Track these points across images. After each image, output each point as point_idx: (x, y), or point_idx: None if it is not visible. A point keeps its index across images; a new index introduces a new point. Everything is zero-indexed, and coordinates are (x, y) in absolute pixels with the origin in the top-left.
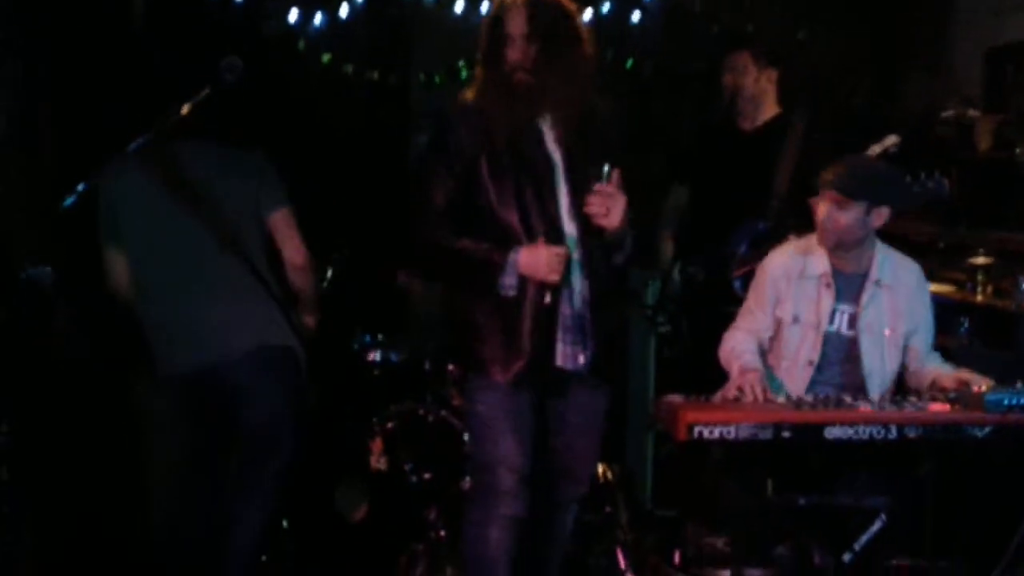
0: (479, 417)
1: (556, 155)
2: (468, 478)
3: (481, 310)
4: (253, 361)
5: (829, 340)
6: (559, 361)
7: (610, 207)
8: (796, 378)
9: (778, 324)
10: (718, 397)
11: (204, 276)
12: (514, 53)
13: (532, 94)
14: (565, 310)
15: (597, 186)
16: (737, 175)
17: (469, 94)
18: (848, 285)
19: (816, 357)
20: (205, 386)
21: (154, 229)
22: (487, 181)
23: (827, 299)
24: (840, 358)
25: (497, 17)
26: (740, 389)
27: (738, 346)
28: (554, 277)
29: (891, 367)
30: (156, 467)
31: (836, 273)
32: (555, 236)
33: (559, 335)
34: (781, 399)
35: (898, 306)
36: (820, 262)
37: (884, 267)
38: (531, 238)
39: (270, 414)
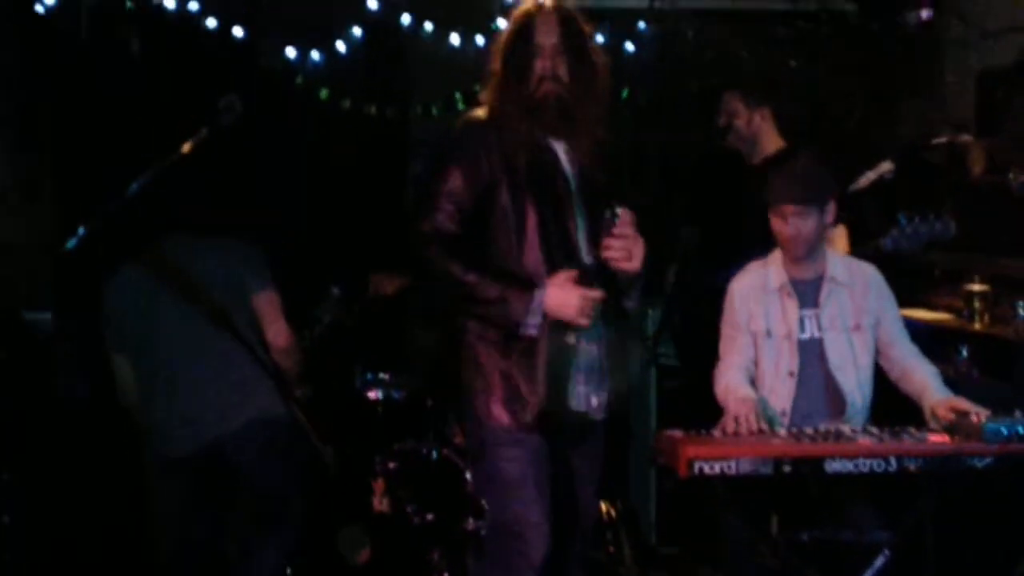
0: (503, 475)
1: (573, 179)
2: (484, 533)
3: (490, 351)
4: (253, 429)
5: (804, 348)
6: (573, 403)
7: (631, 251)
8: (780, 392)
9: (755, 339)
10: (718, 431)
11: (201, 358)
12: (544, 63)
13: (559, 106)
14: (582, 348)
15: (615, 229)
16: (745, 209)
17: (480, 112)
18: (808, 290)
19: (795, 367)
20: (206, 463)
21: (151, 323)
22: (507, 207)
23: (792, 308)
24: (816, 364)
25: (524, 27)
26: (735, 420)
27: (731, 382)
28: (584, 322)
29: (863, 362)
30: (158, 510)
31: (794, 282)
32: (577, 269)
33: (575, 375)
34: (781, 431)
35: (858, 301)
36: (777, 274)
37: (837, 267)
38: (552, 270)
39: (273, 482)
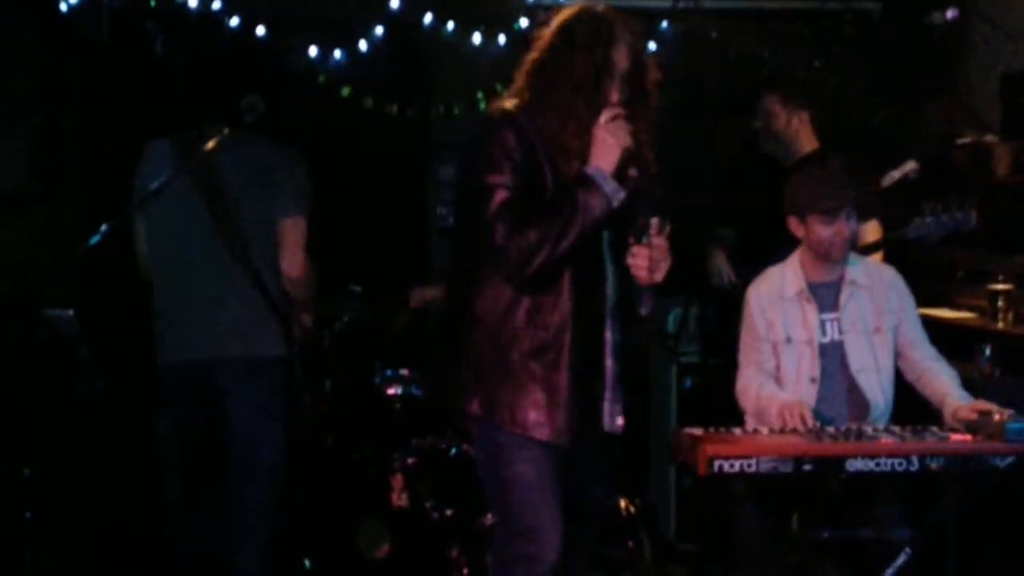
0: (522, 480)
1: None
2: (496, 538)
3: (520, 351)
4: (240, 367)
5: (825, 352)
6: (606, 424)
7: (658, 263)
8: (802, 398)
9: (774, 348)
10: (764, 428)
11: (209, 276)
12: (614, 93)
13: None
14: (608, 362)
15: (652, 241)
16: (780, 210)
17: (509, 104)
18: (827, 294)
19: (817, 373)
20: (194, 383)
21: (174, 216)
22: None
23: (811, 313)
24: (838, 367)
25: (599, 43)
26: (791, 421)
27: (754, 383)
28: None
29: (884, 364)
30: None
31: (813, 286)
32: (597, 274)
33: (605, 393)
34: (830, 428)
35: (879, 303)
36: (795, 280)
37: (857, 269)
38: (576, 276)
39: (253, 419)
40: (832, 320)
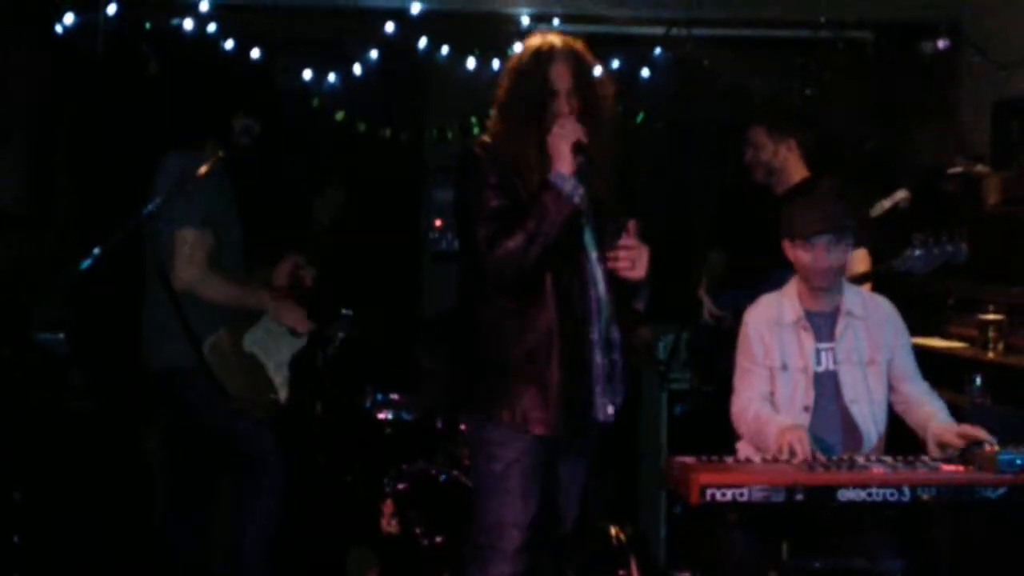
0: (493, 474)
1: (585, 212)
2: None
3: (515, 356)
4: (164, 376)
5: (819, 381)
6: (599, 415)
7: (635, 260)
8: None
9: (771, 373)
10: (757, 457)
11: (150, 287)
12: (562, 107)
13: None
14: (597, 359)
15: (621, 242)
16: (772, 236)
17: (487, 137)
18: (824, 323)
19: (810, 401)
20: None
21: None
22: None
23: (808, 341)
24: (832, 397)
25: (539, 68)
26: (789, 448)
27: (763, 411)
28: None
29: (878, 396)
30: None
31: (810, 315)
32: (581, 279)
33: (596, 386)
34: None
35: (874, 336)
36: (792, 308)
37: (854, 301)
38: (558, 284)
39: (186, 433)
40: (827, 350)
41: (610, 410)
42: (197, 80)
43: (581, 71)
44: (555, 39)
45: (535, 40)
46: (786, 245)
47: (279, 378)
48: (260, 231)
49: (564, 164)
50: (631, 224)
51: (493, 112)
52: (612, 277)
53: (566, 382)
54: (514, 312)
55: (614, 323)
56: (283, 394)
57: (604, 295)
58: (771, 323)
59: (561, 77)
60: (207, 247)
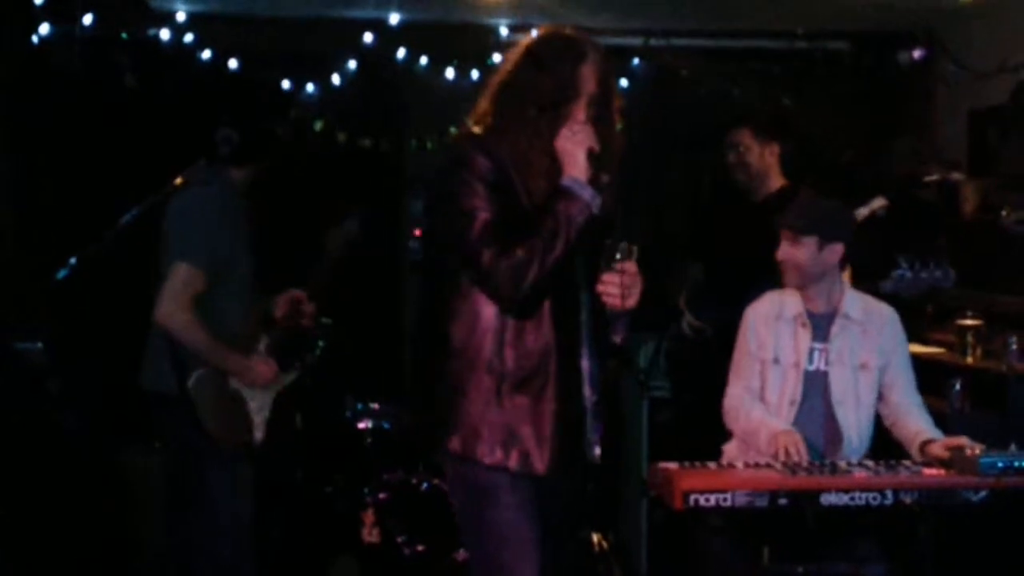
0: (502, 523)
1: None
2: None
3: (503, 389)
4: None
5: (809, 379)
6: (589, 454)
7: (629, 287)
8: (780, 418)
9: (762, 366)
10: (740, 462)
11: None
12: (580, 112)
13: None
14: (587, 392)
15: (618, 264)
16: (749, 245)
17: (476, 128)
18: (821, 323)
19: (798, 397)
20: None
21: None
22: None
23: (804, 338)
24: (819, 396)
25: (567, 65)
26: (784, 453)
27: (742, 404)
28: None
29: (866, 400)
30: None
31: (810, 313)
32: (572, 301)
33: (588, 424)
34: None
35: (871, 340)
36: (795, 304)
37: (853, 304)
38: (553, 298)
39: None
40: (821, 350)
41: (597, 450)
42: (174, 91)
43: (608, 77)
44: (583, 33)
45: (563, 30)
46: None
47: (259, 418)
48: (266, 259)
49: (579, 171)
50: (623, 247)
51: (487, 99)
52: (595, 305)
53: (561, 415)
54: (503, 329)
55: (596, 356)
56: (259, 434)
57: (588, 323)
58: (770, 318)
59: (588, 80)
60: (196, 287)
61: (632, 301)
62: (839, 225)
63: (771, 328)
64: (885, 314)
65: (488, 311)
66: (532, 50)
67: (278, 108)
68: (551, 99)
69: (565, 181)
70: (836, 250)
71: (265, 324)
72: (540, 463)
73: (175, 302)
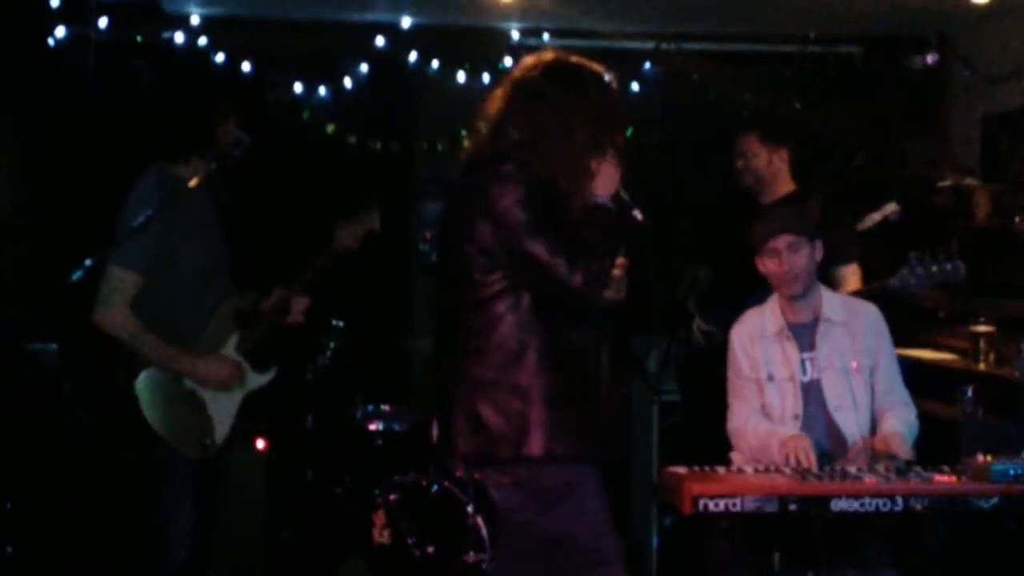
0: (594, 511)
1: None
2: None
3: (573, 391)
4: None
5: (806, 390)
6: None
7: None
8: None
9: (759, 385)
10: (749, 467)
11: None
12: (620, 136)
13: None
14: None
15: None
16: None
17: (510, 168)
18: (805, 333)
19: (800, 410)
20: None
21: None
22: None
23: (792, 351)
24: (818, 405)
25: (617, 104)
26: (794, 458)
27: (748, 422)
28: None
29: (862, 401)
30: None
31: (791, 325)
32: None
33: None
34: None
35: (856, 341)
36: (774, 319)
37: (833, 307)
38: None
39: None
40: (810, 359)
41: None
42: (187, 92)
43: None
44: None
45: (600, 69)
46: (757, 262)
47: (221, 420)
48: (260, 249)
49: (610, 189)
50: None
51: (508, 118)
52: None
53: (603, 405)
54: (544, 333)
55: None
56: (220, 435)
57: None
58: (755, 336)
59: (624, 119)
60: (127, 288)
61: (619, 296)
62: (810, 222)
63: (758, 346)
64: (868, 312)
65: (530, 319)
66: (571, 76)
67: (230, 99)
68: (606, 134)
69: (600, 199)
70: (819, 246)
71: (242, 321)
72: (608, 453)
73: (106, 304)
